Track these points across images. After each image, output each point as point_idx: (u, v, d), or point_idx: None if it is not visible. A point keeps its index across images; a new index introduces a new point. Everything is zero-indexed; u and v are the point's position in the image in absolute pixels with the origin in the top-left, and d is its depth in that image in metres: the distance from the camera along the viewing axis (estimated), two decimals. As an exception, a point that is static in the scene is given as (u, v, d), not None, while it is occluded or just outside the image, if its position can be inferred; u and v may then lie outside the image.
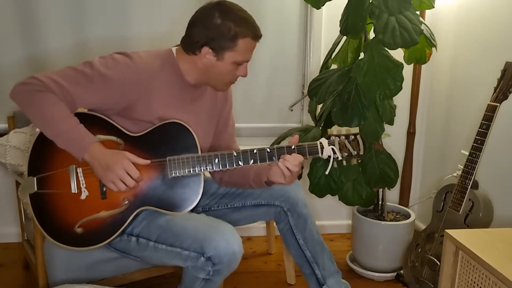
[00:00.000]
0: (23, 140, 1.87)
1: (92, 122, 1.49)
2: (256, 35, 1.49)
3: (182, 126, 1.52)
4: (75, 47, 2.28)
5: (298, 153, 1.51)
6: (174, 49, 1.56)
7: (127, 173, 1.41)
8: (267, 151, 1.51)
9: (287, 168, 1.48)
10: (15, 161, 1.84)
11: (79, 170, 1.47)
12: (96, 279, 1.64)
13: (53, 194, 1.48)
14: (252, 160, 1.51)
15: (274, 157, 1.51)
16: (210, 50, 1.47)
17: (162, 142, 1.50)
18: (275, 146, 1.52)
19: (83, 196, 1.46)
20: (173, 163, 1.48)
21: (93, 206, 1.47)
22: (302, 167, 2.12)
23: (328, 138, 1.54)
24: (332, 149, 1.52)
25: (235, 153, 1.50)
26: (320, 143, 1.53)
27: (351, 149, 1.54)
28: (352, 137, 1.54)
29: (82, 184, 1.47)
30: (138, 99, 1.47)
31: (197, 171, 1.49)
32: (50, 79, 1.40)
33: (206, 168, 1.49)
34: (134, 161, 1.43)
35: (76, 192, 1.47)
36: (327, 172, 1.57)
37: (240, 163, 1.50)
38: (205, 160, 1.49)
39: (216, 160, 1.49)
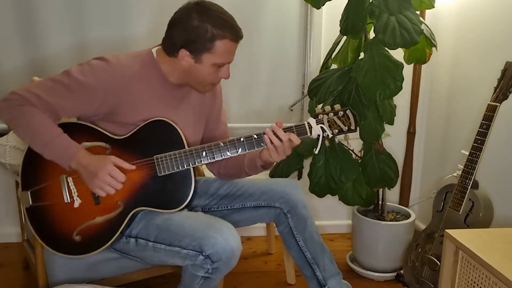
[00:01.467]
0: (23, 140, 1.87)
1: (78, 130, 1.49)
2: (235, 36, 1.46)
3: (165, 123, 1.51)
4: (75, 49, 2.28)
5: None
6: (154, 50, 1.55)
7: (113, 177, 1.41)
8: (254, 138, 1.49)
9: (271, 142, 1.46)
10: (15, 161, 1.84)
11: (70, 179, 1.47)
12: (96, 279, 1.64)
13: (48, 206, 1.48)
14: (240, 148, 1.49)
15: (262, 143, 1.49)
16: (188, 53, 1.45)
17: (148, 141, 1.50)
18: (262, 132, 1.49)
19: (76, 205, 1.47)
20: (161, 161, 1.48)
21: (88, 212, 1.47)
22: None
23: (316, 116, 1.51)
24: (321, 127, 1.49)
25: (221, 144, 1.49)
26: (308, 123, 1.50)
27: (341, 125, 1.50)
28: (341, 112, 1.50)
29: (74, 192, 1.47)
30: (120, 103, 1.47)
31: (185, 166, 1.48)
32: (30, 93, 1.41)
33: (195, 163, 1.49)
34: (120, 166, 1.43)
35: (69, 201, 1.47)
36: (316, 152, 1.52)
37: (228, 153, 1.49)
38: (192, 154, 1.48)
39: (204, 153, 1.49)
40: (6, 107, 1.42)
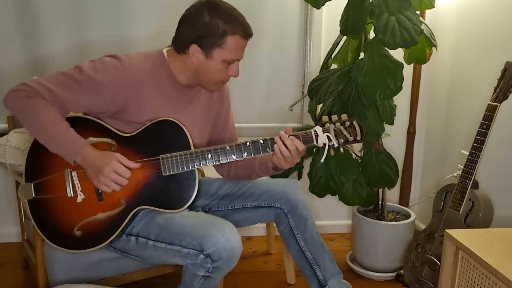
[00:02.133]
0: (23, 140, 1.87)
1: (85, 125, 1.49)
2: (245, 33, 1.47)
3: (173, 123, 1.51)
4: (76, 49, 2.28)
5: None
6: (165, 50, 1.55)
7: (118, 174, 1.41)
8: (260, 143, 1.50)
9: (280, 151, 1.47)
10: (15, 161, 1.84)
11: (74, 173, 1.47)
12: (96, 279, 1.64)
13: (51, 199, 1.48)
14: (246, 153, 1.50)
15: (268, 149, 1.50)
16: (199, 48, 1.46)
17: (154, 141, 1.50)
18: (268, 137, 1.50)
19: (79, 199, 1.47)
20: (167, 161, 1.48)
21: (90, 208, 1.47)
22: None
23: (322, 125, 1.52)
24: (327, 136, 1.50)
25: (227, 147, 1.50)
26: (315, 131, 1.51)
27: (347, 135, 1.51)
28: (348, 123, 1.52)
29: (78, 187, 1.47)
30: (129, 102, 1.47)
31: (190, 167, 1.49)
32: (40, 85, 1.41)
33: (200, 164, 1.49)
34: (125, 164, 1.44)
35: (72, 195, 1.47)
36: (322, 160, 1.54)
37: (233, 156, 1.50)
38: (198, 156, 1.49)
39: (209, 156, 1.49)
40: (15, 98, 1.42)
